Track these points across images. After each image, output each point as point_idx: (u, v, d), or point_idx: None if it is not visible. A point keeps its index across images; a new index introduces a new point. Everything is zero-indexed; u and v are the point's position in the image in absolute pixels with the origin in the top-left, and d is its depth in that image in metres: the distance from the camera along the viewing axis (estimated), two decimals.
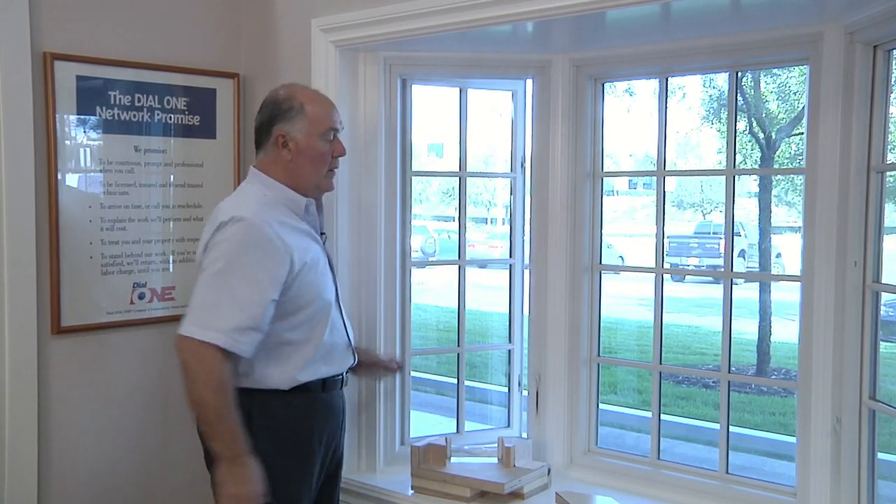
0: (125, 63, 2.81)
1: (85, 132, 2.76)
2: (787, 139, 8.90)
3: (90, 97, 2.74)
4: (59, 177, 2.68)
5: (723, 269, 2.68)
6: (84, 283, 2.76)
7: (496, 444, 2.74)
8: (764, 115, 8.89)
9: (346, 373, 2.41)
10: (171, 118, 2.94)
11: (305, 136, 2.26)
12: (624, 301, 9.41)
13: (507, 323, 3.05)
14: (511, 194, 3.01)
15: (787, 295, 8.36)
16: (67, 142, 2.71)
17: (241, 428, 2.09)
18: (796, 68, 7.47)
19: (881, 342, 2.30)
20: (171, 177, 2.95)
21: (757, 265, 9.86)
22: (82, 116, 2.74)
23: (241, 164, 3.08)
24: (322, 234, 2.38)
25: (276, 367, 2.20)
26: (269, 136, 2.27)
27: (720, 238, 10.72)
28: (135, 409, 2.92)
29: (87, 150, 2.77)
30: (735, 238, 2.71)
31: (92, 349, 2.80)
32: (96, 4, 2.76)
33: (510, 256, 3.03)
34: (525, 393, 2.98)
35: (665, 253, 2.82)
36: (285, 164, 2.27)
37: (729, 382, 2.63)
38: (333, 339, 2.31)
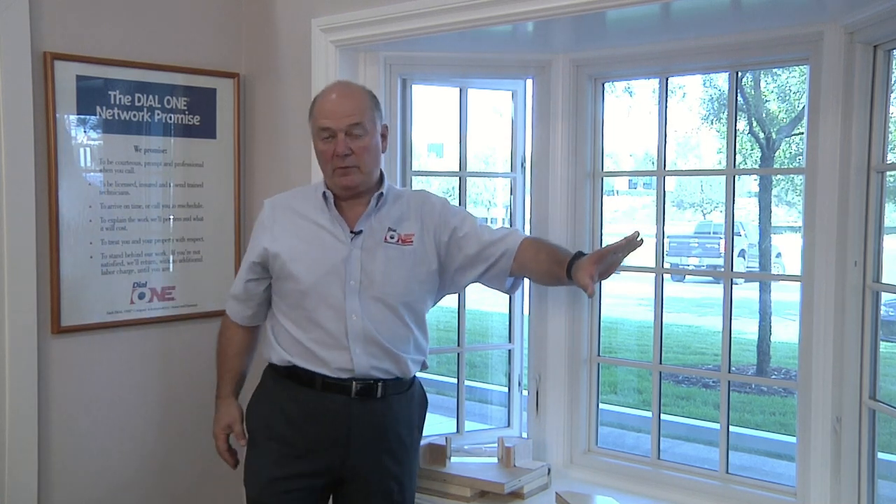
0: (125, 63, 2.81)
1: (85, 132, 2.76)
2: (787, 139, 8.91)
3: (90, 97, 2.75)
4: (59, 176, 2.68)
5: (723, 269, 2.68)
6: (84, 282, 2.76)
7: (496, 444, 2.74)
8: (764, 114, 8.89)
9: (368, 383, 2.29)
10: (171, 118, 2.94)
11: (313, 138, 2.37)
12: (624, 301, 9.41)
13: (507, 323, 3.05)
14: (511, 194, 3.01)
15: (787, 295, 8.36)
16: (68, 142, 2.71)
17: (224, 375, 2.51)
18: (796, 68, 7.47)
19: (881, 342, 2.29)
20: (172, 177, 2.95)
21: (757, 265, 9.86)
22: (82, 116, 2.74)
23: (241, 164, 3.08)
24: (353, 231, 2.31)
25: (271, 339, 2.41)
26: None
27: (720, 238, 10.73)
28: (135, 409, 2.92)
29: (88, 149, 2.77)
30: (735, 238, 2.71)
31: (92, 349, 2.80)
32: (96, 4, 2.76)
33: None
34: (525, 393, 2.97)
35: (665, 253, 2.82)
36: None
37: (729, 382, 2.63)
38: (315, 335, 2.30)
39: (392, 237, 2.35)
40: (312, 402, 2.30)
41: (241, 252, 2.93)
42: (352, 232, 2.33)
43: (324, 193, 2.35)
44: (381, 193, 2.35)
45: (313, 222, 2.35)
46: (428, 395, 2.57)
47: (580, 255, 2.25)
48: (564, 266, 2.24)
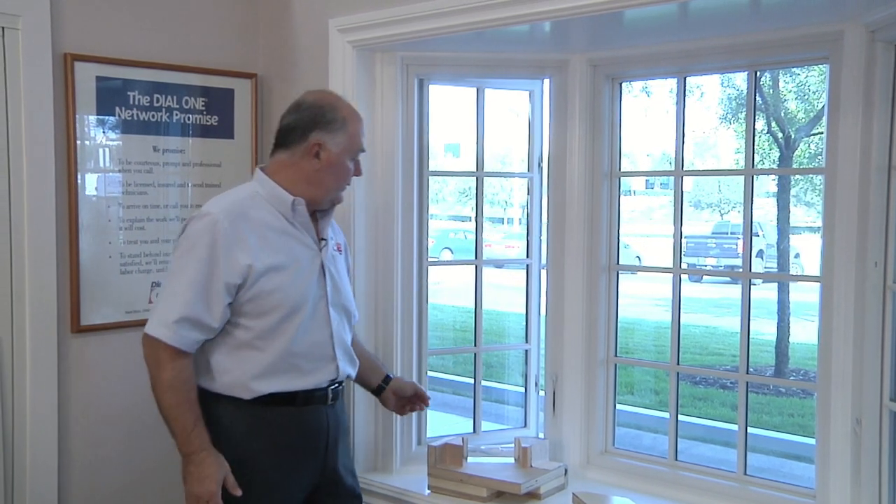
0: (144, 64, 2.83)
1: (104, 132, 2.78)
2: (806, 139, 8.83)
3: (110, 98, 2.77)
4: (79, 177, 2.71)
5: (741, 270, 2.67)
6: (103, 282, 2.78)
7: (513, 445, 2.74)
8: (783, 114, 8.82)
9: (336, 387, 2.32)
10: (189, 118, 2.95)
11: (339, 152, 2.23)
12: (641, 301, 9.37)
13: (524, 323, 3.05)
14: (528, 194, 3.01)
15: (805, 295, 8.31)
16: (87, 142, 2.73)
17: (197, 424, 2.10)
18: (815, 67, 7.40)
19: None
20: (190, 177, 2.97)
21: (775, 265, 9.79)
22: (102, 117, 2.76)
23: (258, 164, 3.09)
24: (322, 239, 2.30)
25: (234, 370, 2.17)
26: (302, 140, 2.22)
27: (738, 238, 10.64)
28: (152, 406, 2.93)
29: (107, 150, 2.79)
30: (753, 238, 2.69)
31: (111, 348, 2.82)
32: (116, 6, 2.78)
33: (527, 256, 3.02)
34: (542, 393, 2.97)
35: (682, 253, 2.81)
36: (307, 172, 2.23)
37: (747, 383, 2.62)
38: (303, 349, 2.21)
39: (335, 246, 2.38)
40: (293, 421, 2.23)
41: None
42: (321, 239, 2.30)
43: (293, 201, 2.21)
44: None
45: (280, 231, 2.21)
46: (445, 395, 2.58)
47: (389, 377, 2.59)
48: (381, 374, 2.57)
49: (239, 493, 2.12)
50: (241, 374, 2.17)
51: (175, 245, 2.23)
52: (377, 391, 2.58)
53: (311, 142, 2.22)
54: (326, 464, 2.32)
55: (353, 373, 2.40)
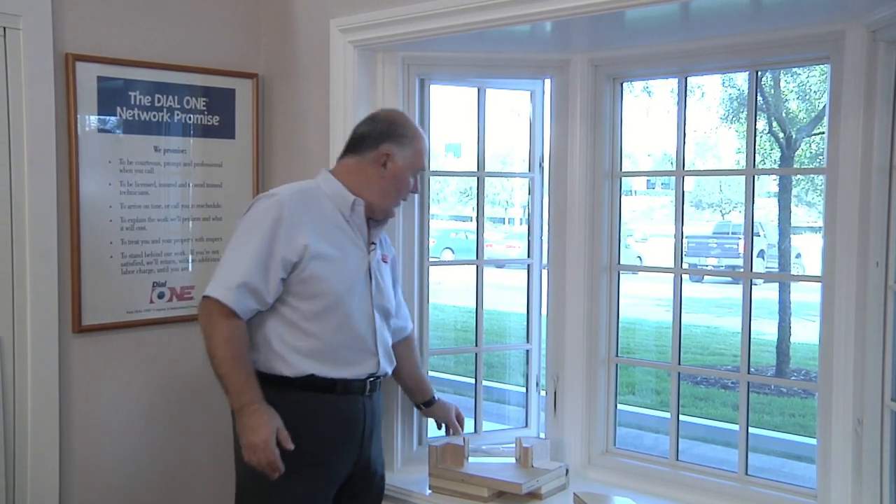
0: (145, 64, 2.83)
1: (106, 132, 2.78)
2: (807, 139, 8.83)
3: (111, 97, 2.77)
4: (80, 177, 2.71)
5: (742, 270, 2.67)
6: (104, 282, 2.78)
7: (514, 445, 2.73)
8: (784, 114, 8.82)
9: (375, 379, 2.41)
10: (190, 118, 2.96)
11: (404, 166, 2.40)
12: (642, 301, 9.38)
13: (525, 323, 3.05)
14: (529, 194, 3.01)
15: (806, 295, 8.30)
16: (89, 142, 2.73)
17: (249, 379, 2.19)
18: (817, 67, 7.40)
19: None
20: (191, 177, 2.97)
21: (776, 265, 9.79)
22: (103, 117, 2.76)
23: (259, 164, 3.10)
24: (372, 243, 2.42)
25: (277, 343, 2.28)
26: (373, 148, 2.38)
27: (739, 238, 10.66)
28: (154, 407, 2.94)
29: (108, 150, 2.79)
30: (754, 238, 2.69)
31: (112, 348, 2.83)
32: (117, 6, 2.78)
33: (528, 256, 3.02)
34: (543, 393, 2.97)
35: (683, 253, 2.80)
36: (372, 179, 2.38)
37: (748, 383, 2.62)
38: (345, 340, 2.33)
39: (381, 256, 2.50)
40: (334, 408, 2.33)
41: None
42: (371, 243, 2.42)
43: (354, 201, 2.35)
44: None
45: (337, 227, 2.35)
46: (446, 395, 2.64)
47: (433, 399, 2.76)
48: (426, 395, 2.75)
49: (291, 446, 2.18)
50: (283, 347, 2.28)
51: (238, 221, 2.33)
52: (417, 406, 2.79)
53: (380, 151, 2.38)
54: (362, 453, 2.42)
55: (390, 371, 2.51)
